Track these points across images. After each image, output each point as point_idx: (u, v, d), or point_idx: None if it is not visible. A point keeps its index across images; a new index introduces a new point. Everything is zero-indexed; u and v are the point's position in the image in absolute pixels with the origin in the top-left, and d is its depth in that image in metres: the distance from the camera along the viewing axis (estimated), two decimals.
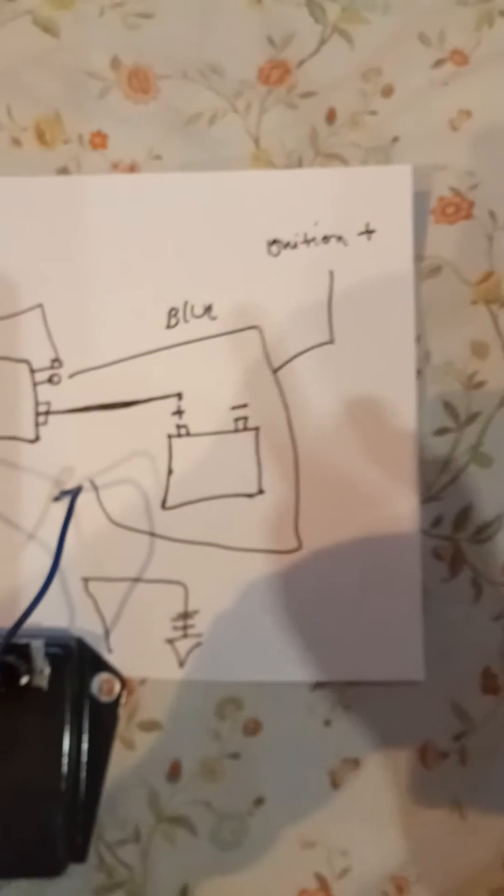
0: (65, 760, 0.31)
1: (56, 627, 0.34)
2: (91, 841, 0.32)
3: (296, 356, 0.35)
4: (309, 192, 0.36)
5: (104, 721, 0.33)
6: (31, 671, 0.31)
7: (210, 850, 0.33)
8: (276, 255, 0.36)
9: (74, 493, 0.33)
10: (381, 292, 0.35)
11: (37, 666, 0.31)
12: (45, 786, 0.31)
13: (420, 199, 0.38)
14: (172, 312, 0.35)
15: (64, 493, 0.33)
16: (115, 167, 0.38)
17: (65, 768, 0.31)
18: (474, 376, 0.36)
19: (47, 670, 0.31)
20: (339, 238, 0.36)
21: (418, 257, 0.37)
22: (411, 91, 0.40)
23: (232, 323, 0.35)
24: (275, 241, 0.36)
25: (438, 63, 0.39)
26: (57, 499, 0.34)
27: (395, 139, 0.39)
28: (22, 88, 0.39)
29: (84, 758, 0.32)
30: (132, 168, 0.38)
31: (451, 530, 0.35)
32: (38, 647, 0.31)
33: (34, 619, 0.33)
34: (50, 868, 0.31)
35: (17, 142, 0.39)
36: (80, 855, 0.32)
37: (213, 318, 0.35)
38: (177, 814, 0.33)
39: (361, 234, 0.36)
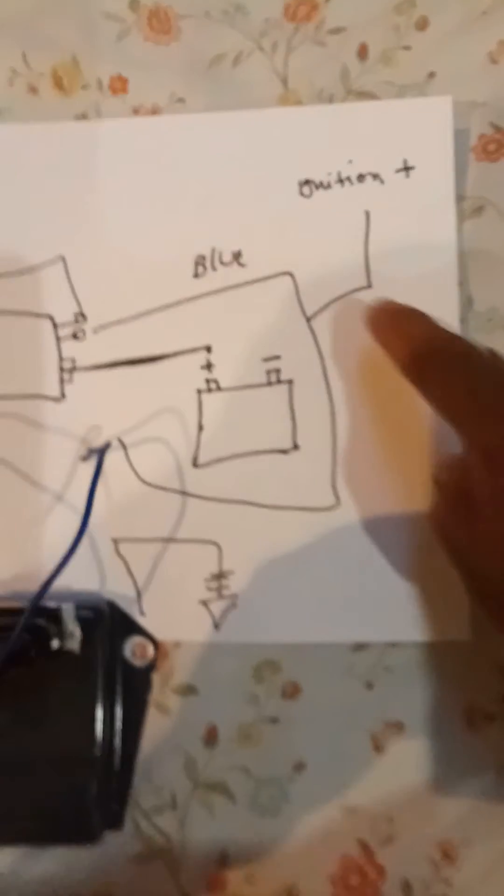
0: (98, 726, 0.30)
1: (87, 590, 0.33)
2: (127, 808, 0.31)
3: (331, 303, 0.33)
4: (342, 129, 0.34)
5: (138, 686, 0.32)
6: (61, 635, 0.30)
7: (249, 816, 0.31)
8: (309, 196, 0.34)
9: (102, 451, 0.32)
10: (421, 233, 0.33)
11: (67, 629, 0.30)
12: (79, 752, 0.30)
13: (459, 137, 0.36)
14: (199, 260, 0.34)
15: (91, 452, 0.32)
16: (136, 112, 0.37)
17: (99, 734, 0.30)
18: None
19: (78, 633, 0.30)
20: (376, 176, 0.34)
21: (459, 197, 0.35)
22: (448, 23, 0.37)
23: (262, 270, 0.34)
24: (307, 182, 0.34)
25: None
26: (85, 458, 0.33)
27: (432, 75, 0.37)
28: (37, 34, 0.37)
29: (118, 723, 0.31)
30: (154, 113, 0.37)
31: None
32: (68, 609, 0.30)
33: (64, 583, 0.32)
34: (85, 835, 0.31)
35: (33, 89, 0.37)
36: (116, 822, 0.31)
37: (243, 266, 0.34)
38: (214, 780, 0.32)
39: (399, 171, 0.34)
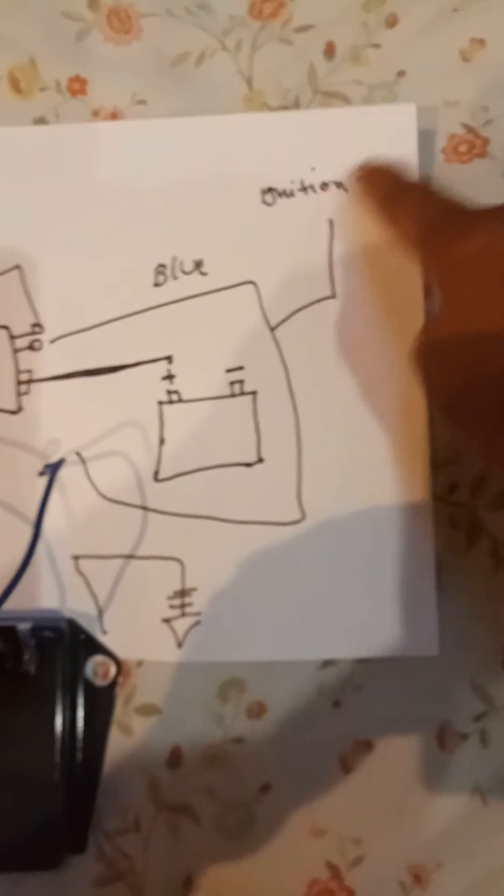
0: (58, 748, 0.30)
1: (46, 609, 0.32)
2: (90, 831, 0.30)
3: (295, 313, 0.32)
4: (304, 136, 0.33)
5: (100, 706, 0.31)
6: (18, 656, 0.30)
7: (214, 839, 0.31)
8: (272, 204, 0.33)
9: (55, 467, 0.31)
10: (386, 242, 0.32)
11: (26, 649, 0.30)
12: (39, 775, 0.29)
13: (429, 138, 0.35)
14: (160, 269, 0.33)
15: (47, 467, 0.32)
16: (97, 115, 0.36)
17: (58, 756, 0.29)
18: None
19: (35, 654, 0.29)
20: (339, 184, 0.33)
21: None
22: (418, 21, 0.36)
23: (224, 279, 0.33)
24: (269, 190, 0.33)
25: None
26: (42, 473, 0.32)
27: (401, 74, 0.36)
28: None
29: (80, 745, 0.30)
30: (114, 115, 0.36)
31: (467, 496, 0.32)
32: (24, 629, 0.30)
33: (23, 601, 0.32)
34: (47, 861, 0.30)
35: None
36: (78, 846, 0.30)
37: (204, 274, 0.33)
38: (179, 802, 0.31)
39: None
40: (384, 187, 0.32)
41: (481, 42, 0.36)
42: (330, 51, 0.36)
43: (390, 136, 0.33)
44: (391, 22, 0.36)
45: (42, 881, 0.31)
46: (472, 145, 0.35)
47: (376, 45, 0.36)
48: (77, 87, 0.36)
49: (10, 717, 0.29)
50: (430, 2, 0.36)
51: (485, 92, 0.35)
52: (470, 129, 0.35)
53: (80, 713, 0.31)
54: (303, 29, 0.36)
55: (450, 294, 0.27)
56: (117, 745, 0.31)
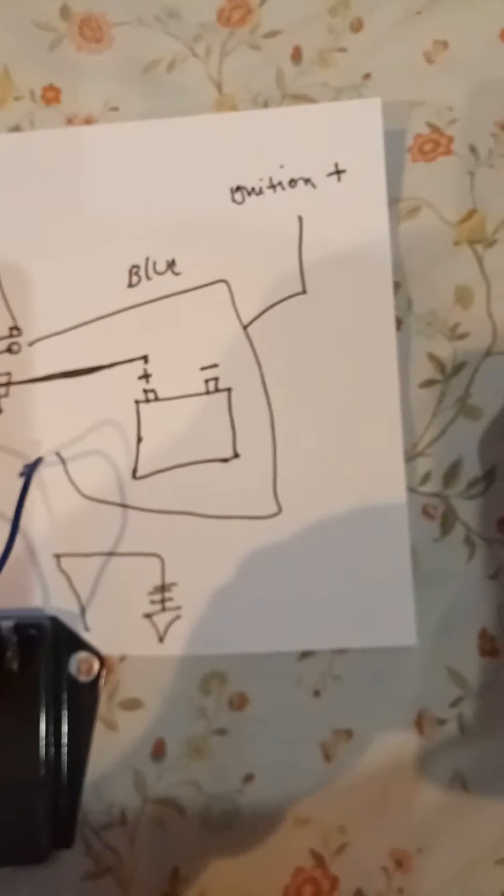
0: (43, 745, 0.30)
1: (29, 607, 0.32)
2: (76, 826, 0.31)
3: (267, 310, 0.33)
4: (272, 134, 0.34)
5: (84, 702, 0.31)
6: (1, 654, 0.30)
7: (200, 831, 0.31)
8: (241, 202, 0.34)
9: (32, 468, 0.31)
10: (355, 237, 0.33)
11: (8, 647, 0.30)
12: (24, 772, 0.30)
13: (396, 138, 0.35)
14: (134, 270, 0.33)
15: (26, 468, 0.32)
16: (70, 122, 0.36)
17: (43, 753, 0.30)
18: (458, 326, 0.34)
19: (18, 652, 0.30)
20: (307, 181, 0.34)
21: (395, 199, 0.35)
22: (382, 24, 0.37)
23: (197, 278, 0.33)
24: (239, 188, 0.34)
25: None
26: (22, 474, 0.33)
27: (367, 76, 0.36)
28: None
29: (64, 741, 0.31)
30: (88, 122, 0.36)
31: (440, 486, 0.33)
32: (6, 628, 0.30)
33: (6, 600, 0.32)
34: (34, 856, 0.30)
35: None
36: (65, 841, 0.31)
37: (177, 274, 0.33)
38: (164, 795, 0.31)
39: (331, 174, 0.33)
40: None
41: (444, 44, 0.37)
42: (297, 55, 0.37)
43: (357, 131, 0.34)
44: (356, 26, 0.37)
45: (30, 877, 0.31)
46: (437, 144, 0.36)
47: (342, 49, 0.37)
48: (51, 95, 0.37)
49: None
50: (394, 6, 0.37)
51: (449, 92, 0.36)
52: (435, 129, 0.36)
53: (65, 710, 0.31)
54: (270, 35, 0.37)
55: None
56: (102, 739, 0.32)
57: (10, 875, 0.31)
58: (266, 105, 0.36)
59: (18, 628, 0.30)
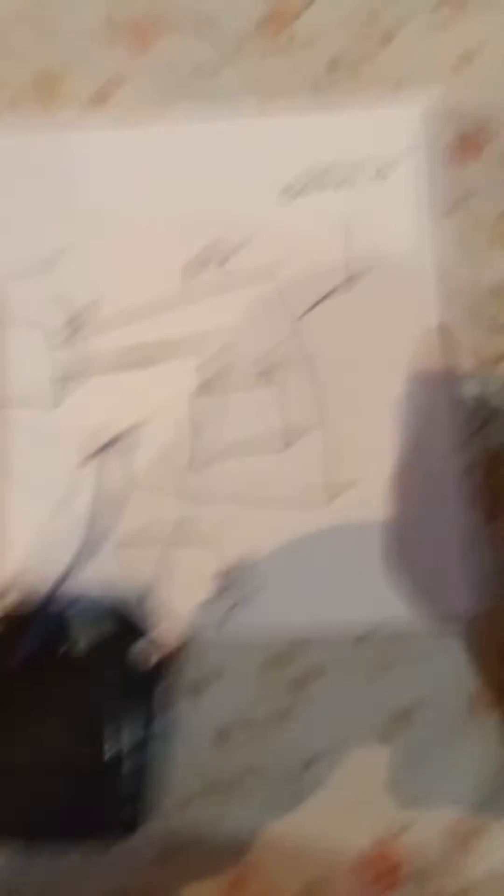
0: (107, 730, 0.30)
1: (91, 596, 0.33)
2: (140, 811, 0.31)
3: (315, 305, 0.34)
4: (317, 138, 0.36)
5: (145, 688, 0.32)
6: (68, 640, 0.31)
7: (263, 813, 0.32)
8: (288, 203, 0.35)
9: (105, 448, 0.32)
10: (397, 236, 0.34)
11: (74, 634, 0.31)
12: (89, 756, 0.30)
13: (429, 143, 0.37)
14: (187, 268, 0.35)
15: (91, 455, 0.32)
16: (118, 126, 0.38)
17: (107, 739, 0.30)
18: (496, 319, 0.36)
19: (86, 638, 0.31)
20: (351, 182, 0.35)
21: (432, 200, 0.36)
22: (413, 35, 0.39)
23: (248, 275, 0.35)
24: (286, 190, 0.35)
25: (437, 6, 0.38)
26: (83, 464, 0.33)
27: (399, 84, 0.38)
28: (11, 48, 0.38)
29: (126, 726, 0.31)
30: (135, 126, 0.37)
31: (494, 465, 0.34)
32: (74, 615, 0.31)
33: (69, 589, 0.33)
34: (98, 840, 0.31)
35: (14, 103, 0.38)
36: (129, 826, 0.31)
37: (230, 272, 0.35)
38: (226, 778, 0.32)
39: (373, 177, 0.35)
40: None
41: (472, 52, 0.39)
42: (333, 65, 0.38)
43: (397, 137, 0.35)
44: (388, 37, 0.39)
45: (97, 860, 0.31)
46: (467, 148, 0.37)
47: (374, 59, 0.39)
48: (99, 98, 0.38)
49: (62, 698, 0.30)
50: (424, 18, 0.39)
51: (479, 97, 0.38)
52: (465, 135, 0.37)
53: (127, 695, 0.31)
54: (306, 44, 0.39)
55: None
56: (164, 725, 0.32)
57: (78, 860, 0.31)
58: (303, 112, 0.38)
59: (83, 615, 0.31)
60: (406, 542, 0.33)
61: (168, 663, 0.32)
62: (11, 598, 0.32)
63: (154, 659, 0.32)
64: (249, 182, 0.35)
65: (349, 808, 0.32)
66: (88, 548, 0.32)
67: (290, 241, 0.35)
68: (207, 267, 0.35)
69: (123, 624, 0.32)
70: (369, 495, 0.33)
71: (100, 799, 0.30)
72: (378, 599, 0.32)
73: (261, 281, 0.34)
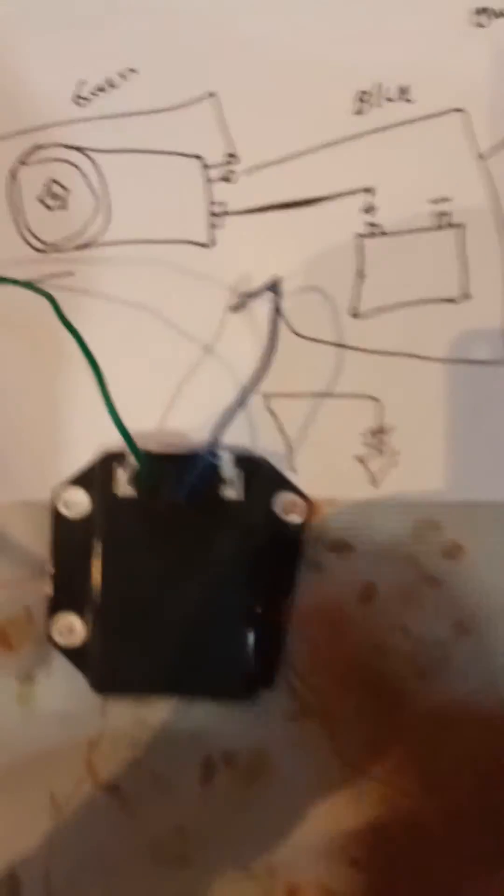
0: (253, 577, 0.29)
1: (236, 446, 0.31)
2: (279, 666, 0.30)
3: None
4: None
5: (289, 542, 0.31)
6: (221, 485, 0.29)
7: (409, 679, 0.30)
8: (485, 25, 0.32)
9: (262, 291, 0.30)
10: None
11: (227, 477, 0.29)
12: (239, 604, 0.29)
13: None
14: (362, 96, 0.32)
15: (247, 296, 0.30)
16: None
17: (258, 587, 0.29)
18: None
19: (239, 482, 0.29)
20: None
21: None
22: None
23: (432, 105, 0.31)
24: (483, 10, 0.32)
25: None
26: (235, 308, 0.31)
27: None
28: None
29: (271, 578, 0.30)
30: None
31: None
32: (227, 458, 0.29)
33: (219, 436, 0.31)
34: (239, 691, 0.30)
35: None
36: (267, 680, 0.30)
37: (410, 101, 0.31)
38: (371, 640, 0.31)
39: None
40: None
41: None
42: None
43: None
44: None
45: (234, 714, 0.30)
46: None
47: None
48: None
49: (215, 544, 0.29)
50: None
51: None
52: None
53: (272, 548, 0.30)
54: None
55: None
56: (308, 581, 0.31)
57: (215, 710, 0.30)
58: None
59: (237, 460, 0.30)
60: None
61: (313, 518, 0.31)
62: (155, 443, 0.31)
63: (300, 513, 0.31)
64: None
65: (500, 676, 0.30)
66: (239, 395, 0.30)
67: (484, 67, 0.31)
68: (386, 95, 0.32)
69: (272, 475, 0.31)
70: None
71: (245, 648, 0.29)
72: None
73: (447, 112, 0.31)
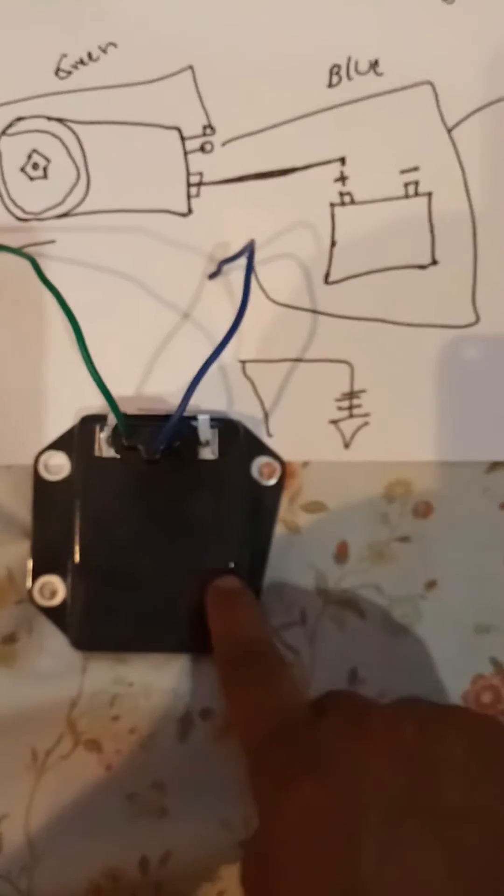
0: (233, 538, 0.30)
1: (213, 411, 0.32)
2: None
3: (474, 112, 0.32)
4: None
5: (266, 504, 0.32)
6: (197, 446, 0.30)
7: (380, 633, 0.31)
8: (452, 1, 0.32)
9: (237, 257, 0.30)
10: None
11: (204, 439, 0.30)
12: (216, 562, 0.30)
13: None
14: (334, 70, 0.32)
15: (225, 261, 0.31)
16: None
17: (235, 545, 0.30)
18: None
19: (215, 442, 0.30)
20: None
21: None
22: None
23: (401, 79, 0.32)
24: None
25: None
26: (213, 275, 0.32)
27: None
28: None
29: (248, 538, 0.31)
30: None
31: None
32: (204, 420, 0.30)
33: (191, 404, 0.32)
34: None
35: None
36: None
37: (380, 74, 0.32)
38: (345, 596, 0.32)
39: None
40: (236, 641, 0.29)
41: None
42: None
43: None
44: None
45: (210, 670, 0.31)
46: None
47: None
48: None
49: (193, 503, 0.30)
50: None
51: None
52: None
53: (248, 508, 0.31)
54: None
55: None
56: (284, 541, 0.32)
57: (192, 666, 0.31)
58: None
59: (213, 421, 0.30)
60: None
61: (288, 481, 0.32)
62: (141, 405, 0.32)
63: (274, 475, 0.32)
64: None
65: (469, 631, 0.31)
66: (215, 360, 0.31)
67: (451, 42, 0.32)
68: (357, 68, 0.32)
69: (248, 438, 0.31)
70: None
71: None
72: None
73: (415, 85, 0.32)
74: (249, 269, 0.28)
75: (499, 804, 0.22)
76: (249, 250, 0.28)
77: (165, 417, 0.29)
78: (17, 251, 0.30)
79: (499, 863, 0.21)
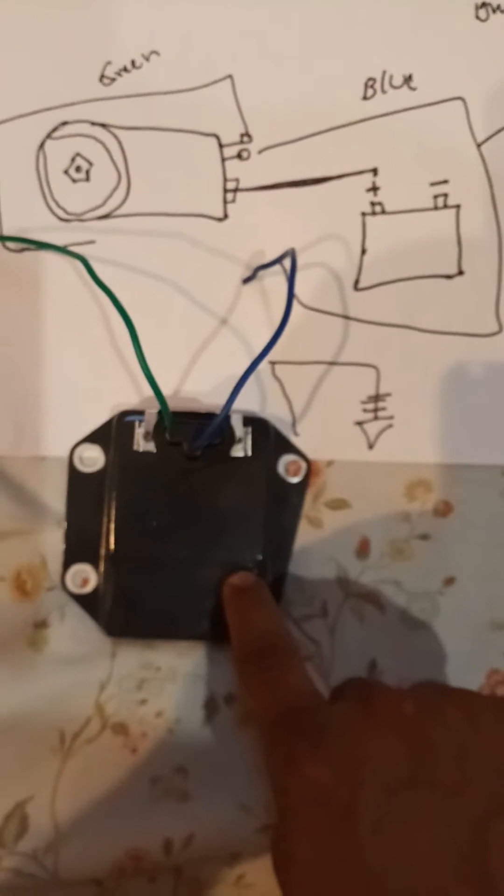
0: (260, 531, 0.31)
1: (244, 409, 0.33)
2: None
3: (503, 129, 0.33)
4: None
5: (291, 501, 0.33)
6: (231, 445, 0.31)
7: (399, 627, 0.33)
8: (485, 19, 0.34)
9: (272, 264, 0.32)
10: None
11: (237, 437, 0.31)
12: (244, 555, 0.31)
13: None
14: (369, 83, 0.34)
15: (261, 267, 0.32)
16: None
17: (262, 539, 0.31)
18: None
19: (248, 440, 0.31)
20: None
21: None
22: None
23: (434, 93, 0.34)
24: (483, 4, 0.34)
25: None
26: (247, 280, 0.33)
27: None
28: None
29: (273, 533, 0.32)
30: None
31: None
32: (237, 418, 0.31)
33: (220, 403, 0.33)
34: None
35: None
36: None
37: (414, 89, 0.34)
38: (365, 590, 0.33)
39: None
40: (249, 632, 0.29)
41: None
42: None
43: None
44: None
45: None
46: None
47: None
48: None
49: (224, 498, 0.31)
50: None
51: None
52: None
53: (275, 504, 0.32)
54: None
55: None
56: (307, 536, 0.33)
57: (217, 653, 0.32)
58: None
59: (246, 420, 0.32)
60: None
61: (313, 479, 0.33)
62: (177, 404, 0.33)
63: (301, 473, 0.33)
64: None
65: (485, 627, 0.32)
66: (259, 363, 0.31)
67: (483, 59, 0.34)
68: (391, 82, 0.34)
69: (277, 438, 0.33)
70: None
71: None
72: None
73: (447, 100, 0.33)
74: (292, 277, 0.29)
75: (494, 777, 0.23)
76: (292, 259, 0.29)
77: (204, 416, 0.30)
78: (70, 252, 0.31)
79: (491, 834, 0.22)
